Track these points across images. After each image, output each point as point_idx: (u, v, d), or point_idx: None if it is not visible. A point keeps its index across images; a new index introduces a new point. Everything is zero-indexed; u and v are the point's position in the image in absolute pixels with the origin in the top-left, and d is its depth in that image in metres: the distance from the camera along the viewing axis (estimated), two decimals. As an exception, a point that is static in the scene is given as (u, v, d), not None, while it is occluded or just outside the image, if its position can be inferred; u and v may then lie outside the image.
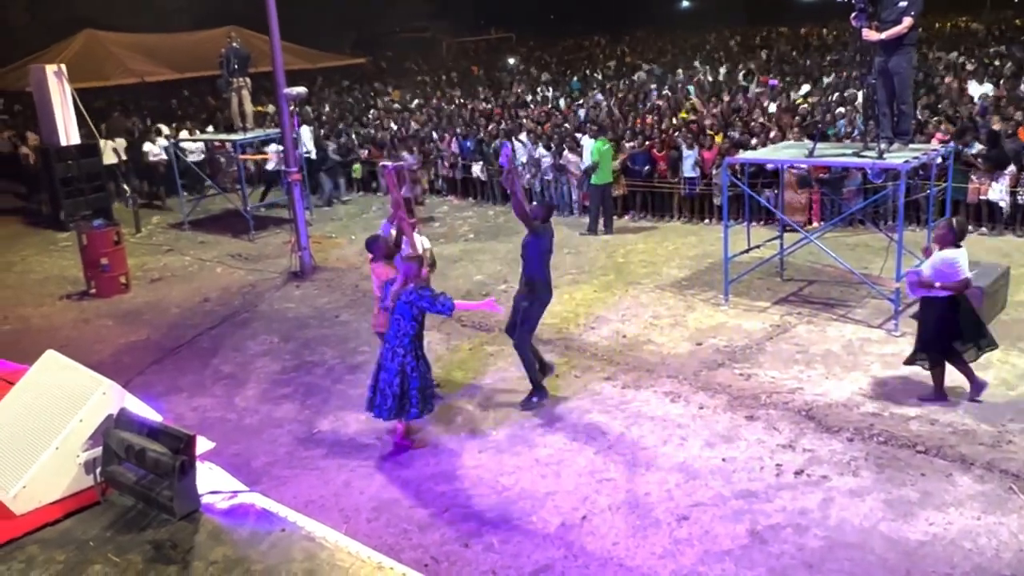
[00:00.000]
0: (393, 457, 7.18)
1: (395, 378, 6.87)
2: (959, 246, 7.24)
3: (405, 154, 16.33)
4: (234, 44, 15.65)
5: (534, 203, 7.96)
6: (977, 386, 7.49)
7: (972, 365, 7.45)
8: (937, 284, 7.19)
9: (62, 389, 4.24)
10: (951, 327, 7.34)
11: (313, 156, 17.44)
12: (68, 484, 3.97)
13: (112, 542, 3.60)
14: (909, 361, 7.69)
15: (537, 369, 7.98)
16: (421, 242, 8.27)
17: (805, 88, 18.03)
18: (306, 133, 18.22)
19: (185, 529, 3.61)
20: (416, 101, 23.53)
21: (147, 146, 18.62)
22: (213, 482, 3.94)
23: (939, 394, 7.53)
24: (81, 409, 4.03)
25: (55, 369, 4.48)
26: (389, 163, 9.24)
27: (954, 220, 7.46)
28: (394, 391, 6.88)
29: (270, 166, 16.91)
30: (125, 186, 17.91)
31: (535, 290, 7.77)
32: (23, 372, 4.75)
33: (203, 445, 4.16)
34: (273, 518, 3.66)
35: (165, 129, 20.09)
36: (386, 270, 7.52)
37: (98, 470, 3.95)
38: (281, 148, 14.30)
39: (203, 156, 18.72)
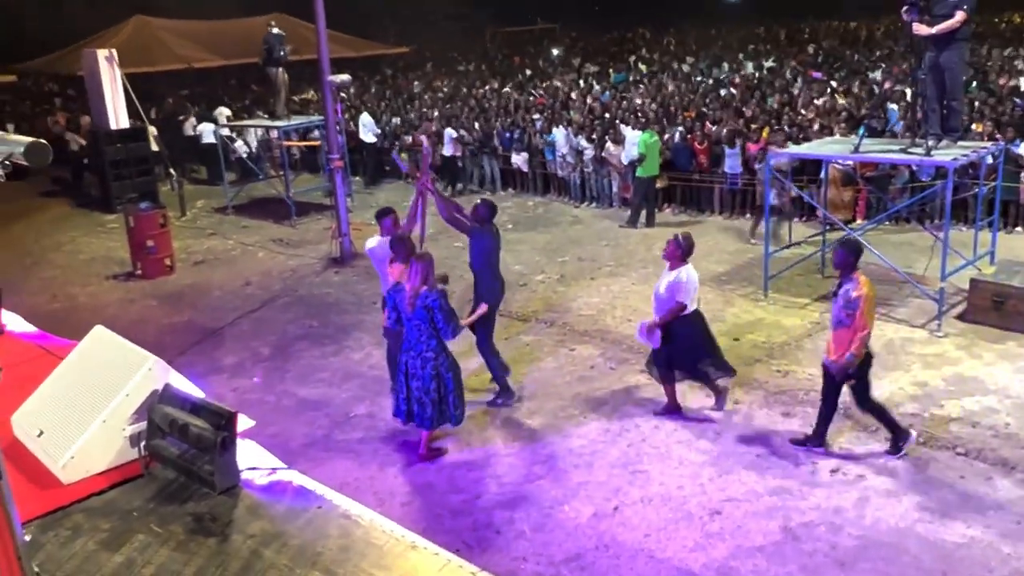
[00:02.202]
0: (417, 464, 6.92)
1: (431, 383, 6.57)
2: (687, 262, 7.02)
3: (423, 138, 16.56)
4: (273, 31, 15.81)
5: (478, 201, 7.89)
6: (720, 402, 7.45)
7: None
8: (658, 320, 7.04)
9: (110, 364, 4.36)
10: (699, 344, 7.17)
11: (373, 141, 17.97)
12: (114, 456, 4.09)
13: (154, 513, 3.70)
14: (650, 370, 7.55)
15: (503, 369, 7.91)
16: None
17: (850, 83, 17.74)
18: (367, 119, 18.54)
19: (225, 503, 3.70)
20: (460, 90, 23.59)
21: (202, 127, 19.04)
22: (253, 458, 4.03)
23: (672, 406, 7.44)
24: (128, 384, 4.14)
25: (103, 344, 4.61)
26: (426, 142, 9.22)
27: (680, 235, 7.12)
28: (432, 398, 6.60)
29: (448, 151, 17.01)
30: (171, 170, 18.23)
31: (481, 290, 7.72)
32: (72, 347, 4.88)
33: (244, 423, 4.25)
34: (310, 495, 3.73)
35: (227, 111, 20.50)
36: (403, 272, 7.07)
37: (142, 443, 4.07)
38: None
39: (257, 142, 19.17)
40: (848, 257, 6.47)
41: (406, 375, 6.64)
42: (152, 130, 17.84)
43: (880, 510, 5.96)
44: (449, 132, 16.96)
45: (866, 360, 6.44)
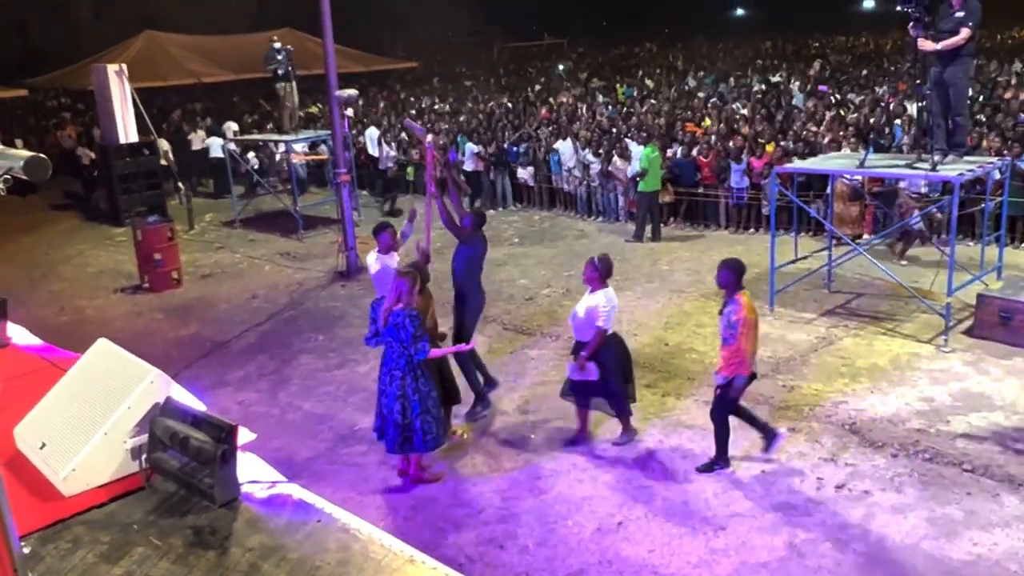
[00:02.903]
0: (405, 491, 6.68)
1: (395, 403, 6.22)
2: (606, 284, 6.82)
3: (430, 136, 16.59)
4: (275, 45, 15.89)
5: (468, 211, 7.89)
6: (626, 435, 7.22)
7: None
8: (586, 354, 6.79)
9: (112, 377, 4.37)
10: (616, 370, 6.96)
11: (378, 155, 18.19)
12: (115, 469, 4.09)
13: (154, 526, 3.70)
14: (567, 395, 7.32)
15: (480, 380, 7.86)
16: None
17: (856, 97, 17.75)
18: (374, 133, 18.65)
19: (224, 516, 3.70)
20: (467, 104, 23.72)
21: (210, 141, 19.18)
22: (253, 472, 4.03)
23: (583, 435, 7.26)
24: (129, 396, 4.15)
25: (106, 357, 4.62)
26: (430, 137, 9.16)
27: (597, 258, 6.90)
28: (395, 420, 6.24)
29: (469, 167, 16.81)
30: (180, 184, 18.34)
31: (463, 300, 7.75)
32: (75, 360, 4.90)
33: (245, 436, 4.25)
34: (310, 509, 3.73)
35: (234, 126, 20.65)
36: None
37: (144, 456, 4.07)
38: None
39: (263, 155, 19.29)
40: (730, 276, 6.48)
41: (379, 388, 6.42)
42: (164, 144, 18.00)
43: (886, 527, 5.91)
44: (470, 147, 16.72)
45: (749, 378, 6.50)
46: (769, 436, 6.79)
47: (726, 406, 6.66)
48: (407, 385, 6.19)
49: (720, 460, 6.77)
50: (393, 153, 18.07)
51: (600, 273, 6.83)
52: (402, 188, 18.10)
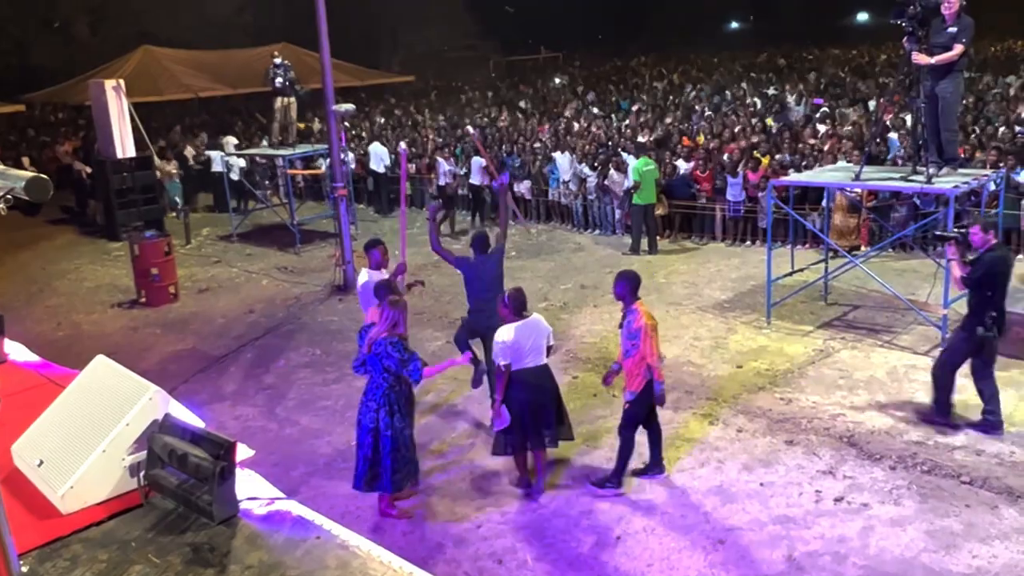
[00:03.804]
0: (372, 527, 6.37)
1: (367, 436, 5.96)
2: (524, 317, 6.46)
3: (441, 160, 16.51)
4: (275, 60, 15.94)
5: (471, 232, 7.91)
6: (539, 487, 6.73)
7: None
8: (498, 398, 6.50)
9: (110, 394, 4.36)
10: (533, 407, 6.52)
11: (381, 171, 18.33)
12: (113, 486, 4.07)
13: (153, 543, 3.69)
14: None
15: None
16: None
17: (851, 110, 17.81)
18: (379, 148, 18.67)
19: (223, 533, 3.68)
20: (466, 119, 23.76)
21: (210, 155, 19.23)
22: (252, 488, 4.01)
23: (524, 481, 6.80)
24: (128, 413, 4.13)
25: (104, 374, 4.61)
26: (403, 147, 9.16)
27: (507, 293, 6.55)
28: (365, 452, 5.99)
29: (476, 180, 16.44)
30: (177, 198, 18.38)
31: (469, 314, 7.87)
32: (73, 376, 4.89)
33: (243, 452, 4.24)
34: (309, 525, 3.72)
35: (233, 140, 20.70)
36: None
37: (142, 473, 4.05)
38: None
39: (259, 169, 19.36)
40: (626, 287, 6.54)
41: (357, 420, 6.17)
42: (163, 164, 18.03)
43: (885, 539, 5.91)
44: (477, 160, 16.39)
45: (646, 388, 6.48)
46: (614, 480, 6.73)
47: (633, 422, 6.67)
48: (380, 420, 5.93)
49: (615, 478, 6.70)
50: (450, 168, 17.13)
51: (509, 309, 6.45)
52: (459, 205, 17.44)
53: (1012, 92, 18.03)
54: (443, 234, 15.74)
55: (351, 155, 17.53)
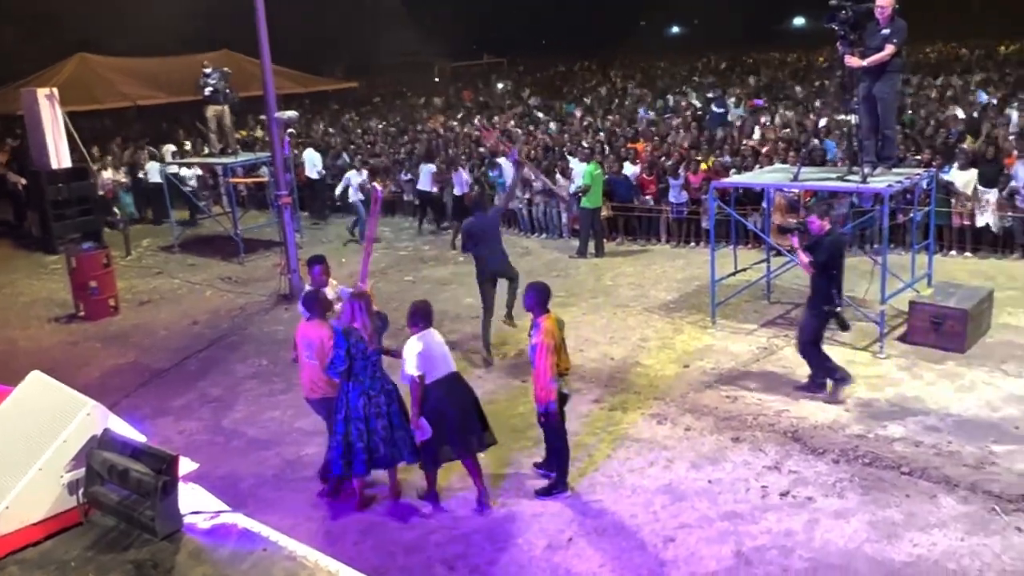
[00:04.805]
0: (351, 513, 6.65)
1: (359, 424, 6.37)
2: (428, 327, 6.41)
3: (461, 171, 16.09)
4: (206, 70, 15.71)
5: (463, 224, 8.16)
6: (484, 494, 6.62)
7: None
8: (415, 411, 6.33)
9: (46, 410, 4.25)
10: (451, 418, 6.39)
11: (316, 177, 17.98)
12: (51, 505, 3.96)
13: (93, 562, 3.60)
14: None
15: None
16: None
17: (789, 112, 18.19)
18: (312, 155, 18.46)
19: (166, 549, 3.61)
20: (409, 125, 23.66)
21: (149, 166, 18.81)
22: (196, 502, 3.94)
23: (432, 494, 6.69)
24: (65, 430, 4.03)
25: (39, 390, 4.49)
26: (379, 187, 9.31)
27: (413, 306, 6.49)
28: (341, 440, 6.41)
29: (458, 191, 15.86)
30: (116, 209, 17.96)
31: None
32: (7, 393, 4.75)
33: (186, 466, 4.16)
34: (255, 538, 3.67)
35: (172, 148, 20.28)
36: (318, 330, 6.73)
37: (81, 491, 3.95)
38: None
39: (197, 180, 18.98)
40: (534, 299, 6.56)
41: (366, 419, 6.42)
42: (113, 174, 17.61)
43: (829, 532, 6.04)
44: (462, 174, 15.90)
45: (560, 400, 6.54)
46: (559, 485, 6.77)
47: (558, 432, 6.67)
48: (382, 405, 6.43)
49: (560, 484, 6.76)
50: (468, 178, 16.16)
51: (421, 318, 6.40)
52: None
53: (934, 94, 18.62)
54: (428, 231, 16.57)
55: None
